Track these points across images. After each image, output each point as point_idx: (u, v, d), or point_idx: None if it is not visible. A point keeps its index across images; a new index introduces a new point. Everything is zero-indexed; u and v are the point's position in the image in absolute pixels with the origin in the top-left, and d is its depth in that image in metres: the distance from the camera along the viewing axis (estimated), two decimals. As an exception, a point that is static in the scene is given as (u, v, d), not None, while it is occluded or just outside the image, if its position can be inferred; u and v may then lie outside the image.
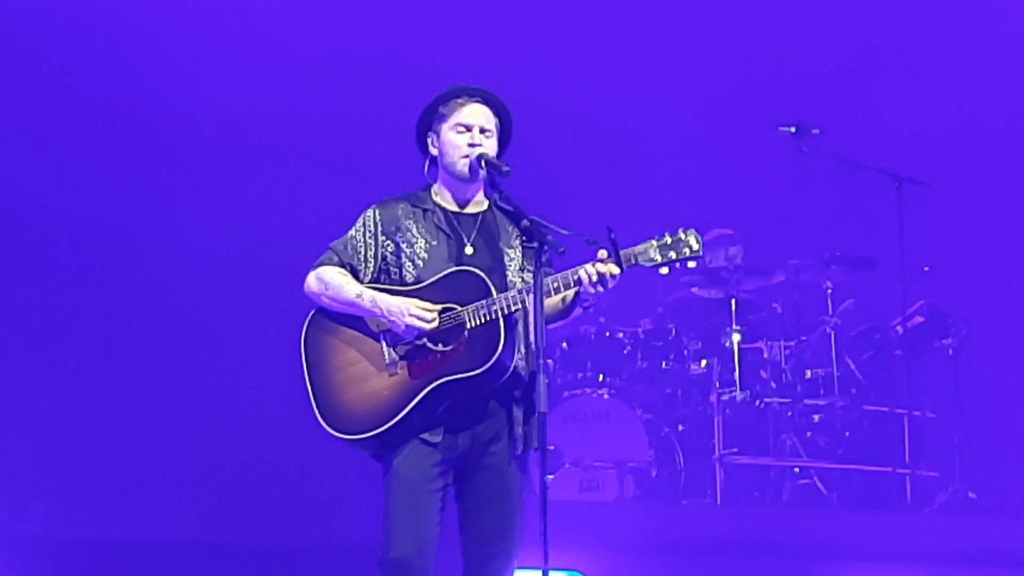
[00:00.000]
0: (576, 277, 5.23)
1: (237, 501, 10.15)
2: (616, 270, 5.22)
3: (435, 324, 5.23)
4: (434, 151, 5.48)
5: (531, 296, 5.16)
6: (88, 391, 10.28)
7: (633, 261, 5.25)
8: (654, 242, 5.28)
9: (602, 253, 5.22)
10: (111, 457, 10.12)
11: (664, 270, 5.29)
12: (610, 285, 5.24)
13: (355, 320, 5.33)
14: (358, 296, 5.31)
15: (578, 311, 5.41)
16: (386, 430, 5.23)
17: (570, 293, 5.32)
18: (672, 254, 5.26)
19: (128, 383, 10.32)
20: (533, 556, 5.14)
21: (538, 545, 5.04)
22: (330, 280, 5.36)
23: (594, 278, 5.20)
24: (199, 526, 9.83)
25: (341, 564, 8.48)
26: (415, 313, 5.24)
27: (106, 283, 10.47)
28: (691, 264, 5.30)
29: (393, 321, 5.26)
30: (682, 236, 5.28)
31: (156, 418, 10.27)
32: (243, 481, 10.20)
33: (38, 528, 9.62)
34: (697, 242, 5.28)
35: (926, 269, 10.36)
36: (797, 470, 9.47)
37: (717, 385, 9.41)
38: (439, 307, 5.25)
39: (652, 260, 5.25)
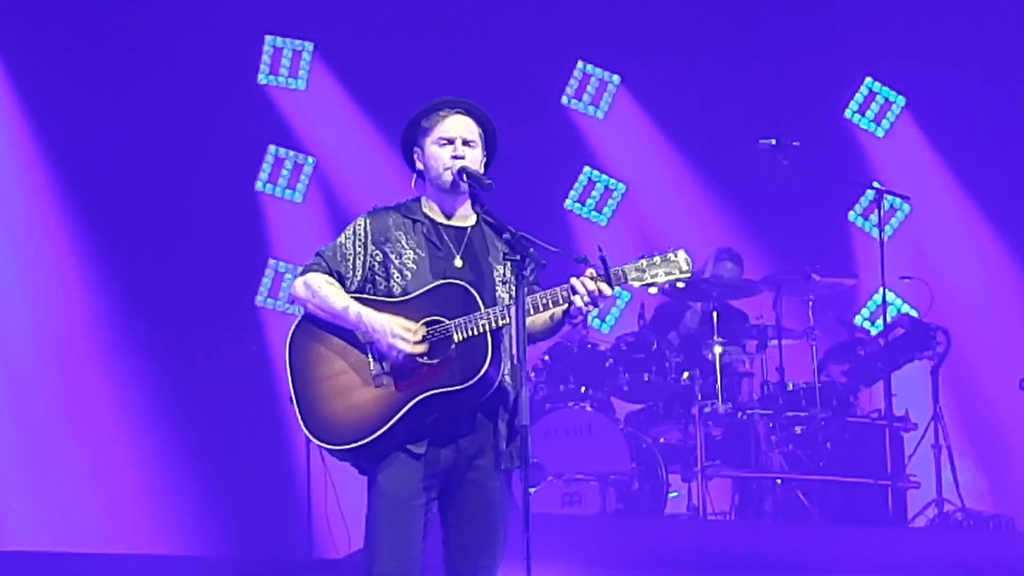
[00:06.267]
0: (564, 295, 5.20)
1: (221, 515, 10.14)
2: (607, 289, 5.19)
3: (419, 349, 5.20)
4: (420, 165, 5.45)
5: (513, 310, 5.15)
6: (75, 397, 10.27)
7: (623, 280, 5.22)
8: (643, 262, 5.24)
9: (591, 272, 5.19)
10: (99, 467, 10.11)
11: (653, 290, 5.26)
12: (601, 304, 5.22)
13: (343, 330, 5.29)
14: (344, 309, 5.27)
15: (566, 327, 5.39)
16: (370, 442, 5.19)
17: (559, 309, 5.29)
18: (661, 274, 5.22)
19: (117, 391, 10.31)
20: (516, 570, 5.12)
21: (521, 559, 5.02)
22: (317, 288, 5.32)
23: (586, 298, 5.17)
24: (184, 540, 9.82)
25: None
26: (398, 334, 5.19)
27: (95, 284, 10.47)
28: (680, 285, 5.27)
29: (376, 339, 5.24)
30: (672, 257, 5.25)
31: (145, 427, 10.27)
32: (227, 494, 10.18)
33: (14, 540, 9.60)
34: (687, 263, 5.24)
35: (906, 281, 10.39)
36: (779, 482, 9.47)
37: (699, 397, 9.40)
38: (423, 330, 5.21)
39: (641, 280, 5.22)
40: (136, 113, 10.53)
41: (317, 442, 5.27)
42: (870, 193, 10.54)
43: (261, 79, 11.06)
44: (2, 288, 10.28)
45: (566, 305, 5.22)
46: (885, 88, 11.67)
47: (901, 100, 11.68)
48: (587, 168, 11.53)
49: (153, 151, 10.54)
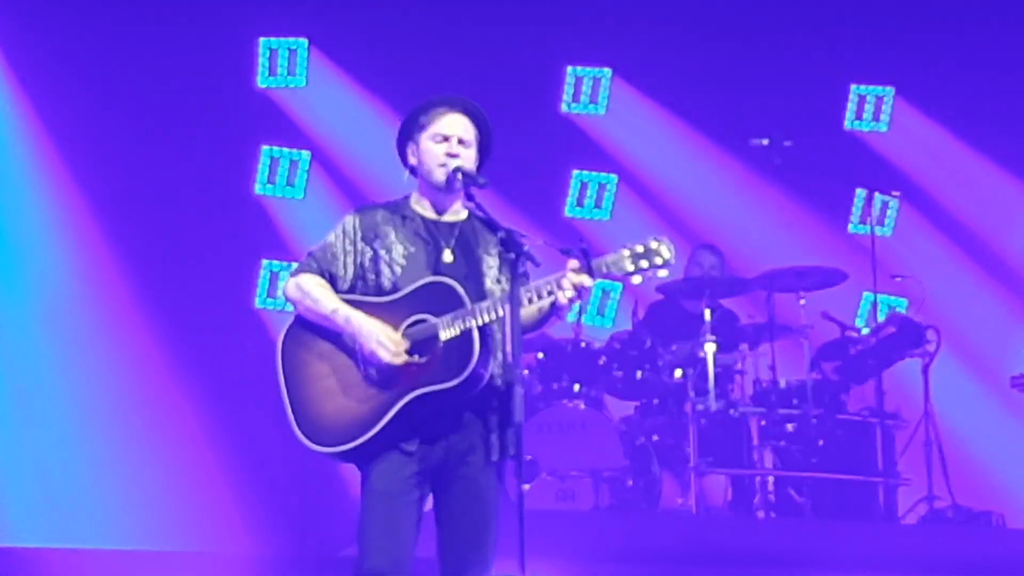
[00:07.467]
0: (548, 288, 5.24)
1: (212, 510, 10.18)
2: (588, 281, 5.21)
3: (399, 360, 5.22)
4: (413, 160, 5.48)
5: (506, 307, 5.17)
6: (79, 396, 10.30)
7: (604, 271, 5.22)
8: (625, 251, 5.23)
9: (572, 263, 5.20)
10: (101, 465, 10.15)
11: (636, 280, 5.24)
12: (584, 297, 5.23)
13: (333, 331, 5.33)
14: (333, 311, 5.31)
15: (554, 319, 5.41)
16: (363, 443, 5.23)
17: (545, 302, 5.31)
18: (644, 263, 5.21)
19: (122, 389, 10.35)
20: (510, 566, 5.16)
21: (514, 555, 5.06)
22: (309, 290, 5.36)
23: (569, 292, 5.20)
24: (185, 538, 9.85)
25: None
26: (382, 342, 5.23)
27: (99, 285, 10.52)
28: (662, 273, 5.24)
29: (361, 344, 5.27)
30: (653, 245, 5.23)
31: (147, 426, 10.30)
32: (232, 492, 10.22)
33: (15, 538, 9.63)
34: (669, 251, 5.21)
35: (898, 280, 10.44)
36: (771, 479, 9.52)
37: (692, 394, 9.44)
38: (406, 343, 5.23)
39: (623, 270, 5.22)
40: (135, 116, 10.55)
41: (309, 444, 5.30)
42: (860, 198, 10.61)
43: (261, 83, 11.08)
44: (3, 288, 10.31)
45: (550, 298, 5.25)
46: (871, 87, 11.70)
47: (891, 91, 11.71)
48: (575, 171, 11.55)
49: (153, 155, 10.57)
